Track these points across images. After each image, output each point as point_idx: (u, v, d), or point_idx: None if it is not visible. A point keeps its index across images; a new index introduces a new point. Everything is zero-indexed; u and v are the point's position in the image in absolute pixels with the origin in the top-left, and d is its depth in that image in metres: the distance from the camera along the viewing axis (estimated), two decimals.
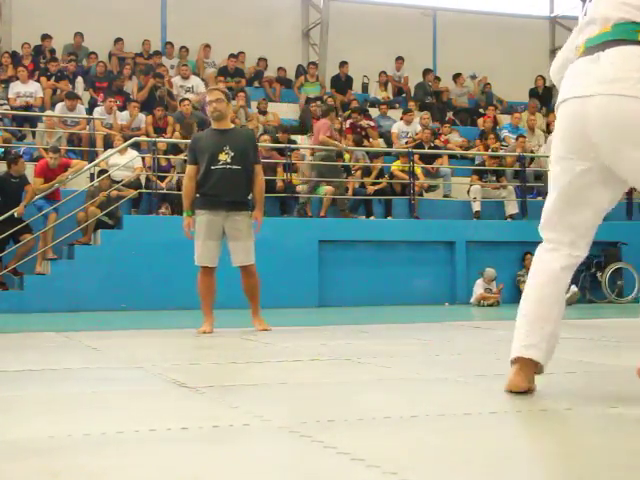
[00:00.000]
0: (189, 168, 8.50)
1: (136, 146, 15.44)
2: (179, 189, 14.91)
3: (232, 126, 8.57)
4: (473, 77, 22.89)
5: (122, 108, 17.04)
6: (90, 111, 17.05)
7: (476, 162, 18.23)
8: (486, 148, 18.23)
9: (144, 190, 15.00)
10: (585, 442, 3.12)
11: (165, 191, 15.05)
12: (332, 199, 15.78)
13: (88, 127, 16.36)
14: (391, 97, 21.84)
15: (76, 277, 13.40)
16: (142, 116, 16.98)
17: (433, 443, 3.18)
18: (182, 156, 15.46)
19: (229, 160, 8.11)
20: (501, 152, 18.26)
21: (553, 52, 25.23)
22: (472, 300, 15.02)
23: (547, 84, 23.74)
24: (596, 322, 10.76)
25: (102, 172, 14.46)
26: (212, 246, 8.35)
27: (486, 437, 3.34)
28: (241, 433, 3.27)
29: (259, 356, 6.61)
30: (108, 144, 15.65)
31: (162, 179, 15.26)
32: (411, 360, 6.32)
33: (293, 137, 17.49)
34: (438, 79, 22.62)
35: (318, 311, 13.28)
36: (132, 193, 14.72)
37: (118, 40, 20.53)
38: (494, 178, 17.51)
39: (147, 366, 5.62)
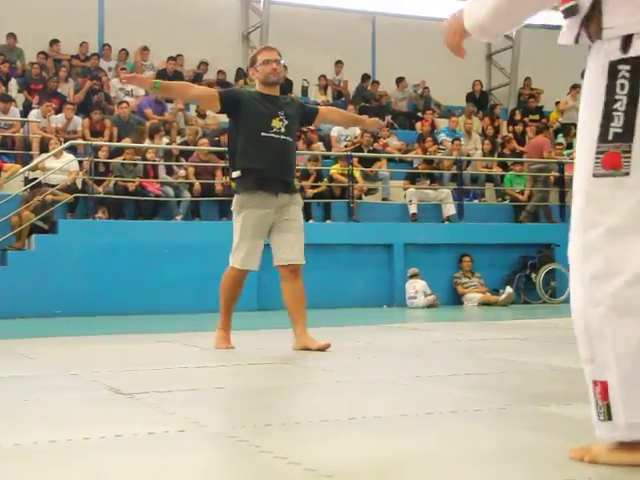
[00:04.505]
0: (213, 90, 7.42)
1: (72, 149, 15.31)
2: (117, 193, 14.89)
3: (277, 92, 7.14)
4: (416, 89, 23.07)
5: (58, 111, 16.89)
6: (25, 114, 16.94)
7: (414, 165, 18.32)
8: (424, 151, 18.39)
9: (80, 194, 14.83)
10: (520, 441, 3.15)
11: (102, 195, 14.91)
12: None
13: (22, 130, 16.26)
14: (331, 100, 21.85)
15: (9, 283, 13.16)
16: (78, 119, 16.86)
17: (370, 445, 3.22)
18: (120, 159, 15.44)
19: (283, 129, 6.77)
20: (438, 155, 18.42)
21: (489, 57, 25.54)
22: (409, 301, 15.16)
23: (484, 88, 24.06)
24: (530, 322, 10.97)
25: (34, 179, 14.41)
26: (259, 247, 6.84)
27: (422, 439, 3.37)
28: (176, 439, 3.27)
29: (195, 361, 6.50)
30: (44, 148, 15.51)
31: (99, 183, 15.11)
32: (349, 363, 6.30)
33: None
34: (377, 83, 22.77)
35: (257, 314, 13.26)
36: (68, 197, 14.56)
37: (54, 41, 20.32)
38: (428, 182, 17.64)
39: (82, 373, 5.56)
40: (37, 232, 14.09)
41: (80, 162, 15.24)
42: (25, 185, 14.52)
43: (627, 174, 2.47)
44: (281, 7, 23.42)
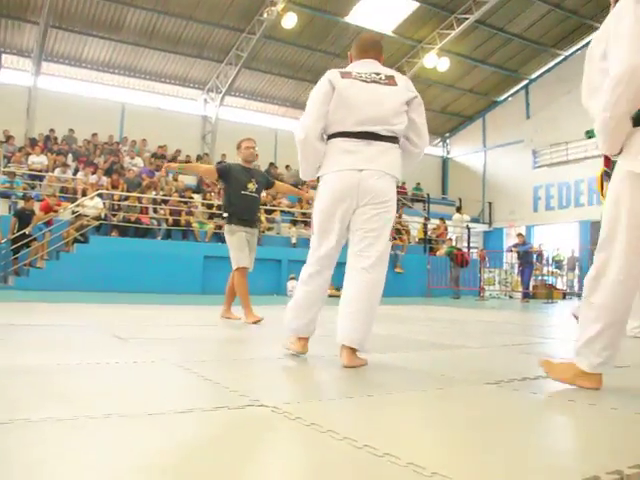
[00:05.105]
0: (213, 167, 6.72)
1: (100, 196, 15.11)
2: (124, 222, 14.75)
3: (252, 166, 6.70)
4: (297, 171, 23.21)
5: (93, 173, 16.66)
6: (75, 174, 16.66)
7: (295, 215, 18.48)
8: (301, 207, 18.55)
9: (103, 222, 14.61)
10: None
11: (115, 223, 14.71)
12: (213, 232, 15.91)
13: (73, 183, 15.95)
14: None
15: (61, 271, 12.98)
16: (105, 178, 16.53)
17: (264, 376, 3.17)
18: (127, 202, 15.32)
19: (254, 190, 6.49)
20: (309, 211, 18.56)
21: None
22: (289, 293, 15.27)
23: None
24: None
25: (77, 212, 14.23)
26: (248, 253, 6.40)
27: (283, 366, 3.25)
28: (148, 366, 3.15)
29: (170, 321, 6.06)
30: (84, 194, 15.31)
31: (114, 215, 14.92)
32: (261, 327, 5.93)
33: (192, 194, 17.48)
34: (277, 167, 22.91)
35: (202, 296, 13.26)
36: (96, 223, 14.34)
37: (94, 134, 20.03)
38: (303, 225, 17.81)
39: (98, 325, 5.23)
40: (78, 242, 13.84)
41: (104, 203, 15.03)
42: (72, 215, 14.32)
43: None
44: (224, 122, 23.53)
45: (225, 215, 6.51)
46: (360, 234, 3.37)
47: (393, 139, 3.33)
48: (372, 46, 3.55)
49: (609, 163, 2.74)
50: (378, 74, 3.39)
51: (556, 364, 2.86)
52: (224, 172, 6.47)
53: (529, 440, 1.88)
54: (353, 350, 3.24)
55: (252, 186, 6.47)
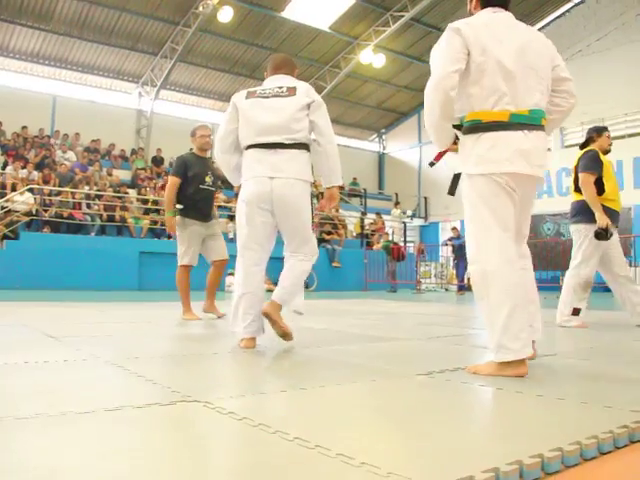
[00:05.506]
0: (176, 180, 6.19)
1: (30, 190, 14.69)
2: (56, 217, 14.38)
3: (207, 155, 6.52)
4: None
5: (23, 167, 16.18)
6: (3, 168, 16.17)
7: (232, 210, 18.26)
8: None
9: (34, 217, 14.20)
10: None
11: (47, 218, 14.32)
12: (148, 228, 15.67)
13: (1, 177, 15.45)
14: None
15: None
16: (35, 173, 16.13)
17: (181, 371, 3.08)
18: (60, 197, 14.93)
19: (210, 183, 6.32)
20: None
21: None
22: (227, 288, 15.15)
23: None
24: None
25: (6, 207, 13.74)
26: (197, 251, 6.25)
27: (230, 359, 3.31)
28: (79, 364, 3.09)
29: (104, 319, 5.96)
30: (14, 188, 14.84)
31: (46, 211, 14.50)
32: (205, 322, 6.08)
33: (127, 189, 17.16)
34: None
35: (138, 292, 13.05)
36: (26, 219, 13.96)
37: (24, 127, 19.39)
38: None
39: (29, 324, 5.11)
40: (7, 239, 13.40)
41: (35, 198, 14.63)
42: (1, 210, 13.87)
43: None
44: (160, 116, 23.14)
45: (179, 207, 6.23)
46: (288, 238, 3.88)
47: (300, 146, 3.68)
48: (283, 63, 3.96)
49: (439, 157, 3.29)
50: (281, 87, 3.77)
51: (481, 365, 2.95)
52: (183, 173, 6.23)
53: (456, 428, 1.92)
54: (277, 305, 3.68)
55: (209, 179, 6.36)
